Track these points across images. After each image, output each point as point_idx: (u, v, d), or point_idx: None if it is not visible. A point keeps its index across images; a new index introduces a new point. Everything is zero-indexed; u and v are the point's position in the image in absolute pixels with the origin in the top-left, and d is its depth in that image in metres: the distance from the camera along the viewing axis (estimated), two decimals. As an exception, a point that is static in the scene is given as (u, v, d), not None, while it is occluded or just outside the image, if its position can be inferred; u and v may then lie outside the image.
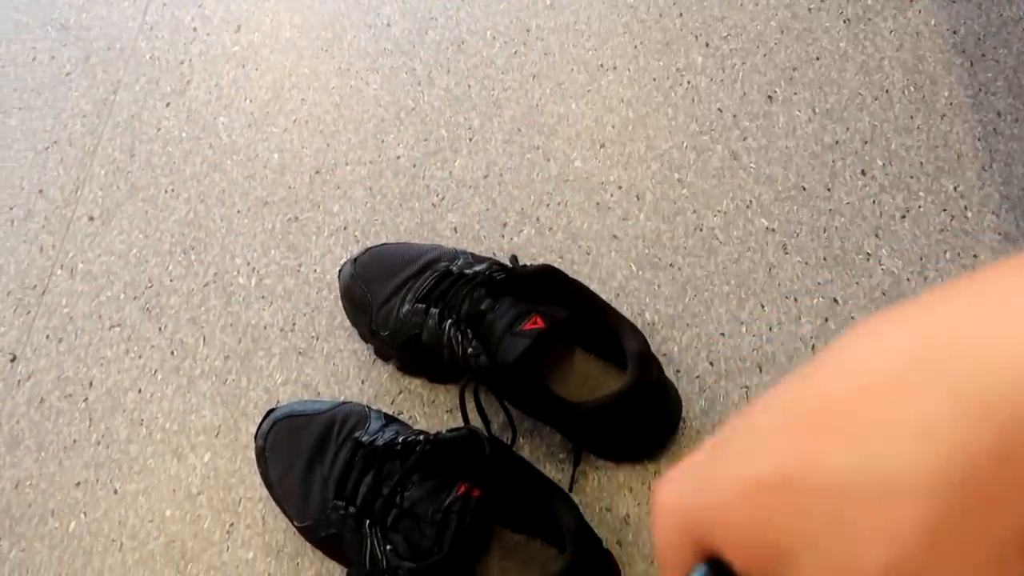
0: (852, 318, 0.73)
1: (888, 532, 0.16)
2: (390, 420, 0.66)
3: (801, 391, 0.18)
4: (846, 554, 0.16)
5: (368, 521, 0.59)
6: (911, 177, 0.80)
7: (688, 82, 0.89)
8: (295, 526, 0.64)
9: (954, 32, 0.89)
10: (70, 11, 1.04)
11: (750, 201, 0.80)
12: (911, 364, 0.16)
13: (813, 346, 0.72)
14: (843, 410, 0.17)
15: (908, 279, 0.75)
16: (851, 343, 0.18)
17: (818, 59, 0.89)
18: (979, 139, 0.82)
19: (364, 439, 0.63)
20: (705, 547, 0.20)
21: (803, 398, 0.18)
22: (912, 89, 0.86)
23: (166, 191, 0.87)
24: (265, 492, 0.67)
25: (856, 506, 0.16)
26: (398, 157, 0.87)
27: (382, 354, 0.73)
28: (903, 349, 0.16)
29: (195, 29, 1.00)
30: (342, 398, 0.73)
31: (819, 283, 0.75)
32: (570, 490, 0.66)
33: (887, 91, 0.86)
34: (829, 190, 0.80)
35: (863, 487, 0.16)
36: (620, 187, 0.82)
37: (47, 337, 0.80)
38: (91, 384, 0.77)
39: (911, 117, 0.84)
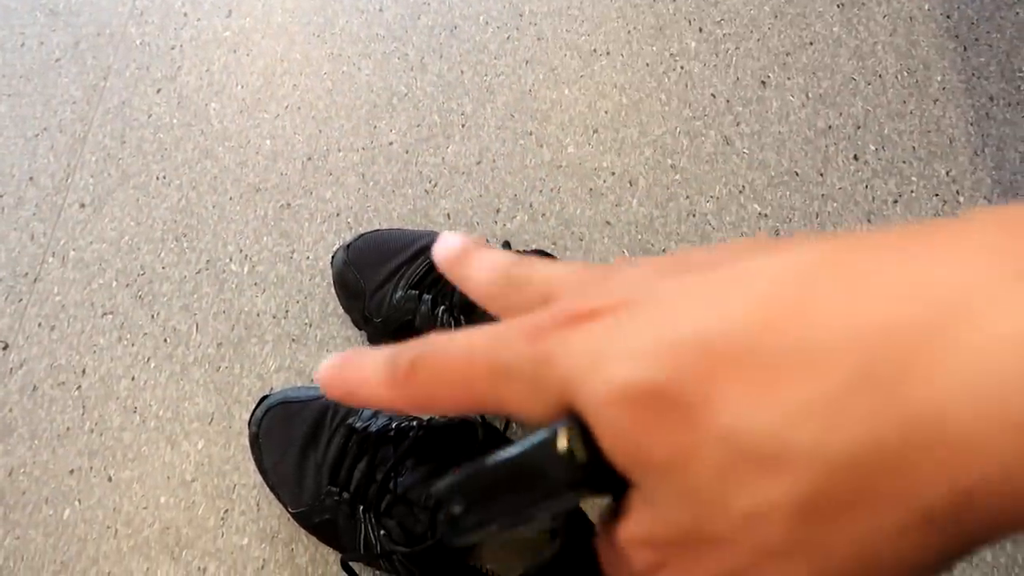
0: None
1: (764, 494, 0.15)
2: (384, 406, 0.66)
3: (723, 300, 0.17)
4: (719, 496, 0.16)
5: (362, 507, 0.59)
6: (904, 162, 0.81)
7: (681, 67, 0.88)
8: (289, 512, 0.64)
9: (947, 17, 0.89)
10: (59, -4, 1.03)
11: (743, 186, 0.80)
12: (836, 333, 0.15)
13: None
14: (756, 352, 0.16)
15: (900, 264, 0.75)
16: (787, 270, 0.17)
17: (812, 44, 0.89)
18: (971, 124, 0.82)
19: (358, 425, 0.63)
20: (566, 407, 0.18)
21: (721, 314, 0.17)
22: (905, 74, 0.86)
23: (157, 178, 0.87)
24: (259, 479, 0.67)
25: (739, 456, 0.15)
26: (391, 143, 0.86)
27: (375, 341, 0.73)
28: (833, 314, 0.15)
29: (186, 14, 1.00)
30: (336, 385, 0.73)
31: (812, 268, 0.75)
32: (563, 475, 0.66)
33: (880, 76, 0.86)
34: (822, 175, 0.80)
35: (752, 444, 0.15)
36: (613, 173, 0.82)
37: (39, 325, 0.79)
38: (84, 372, 0.76)
39: (904, 102, 0.84)
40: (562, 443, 0.18)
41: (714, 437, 0.16)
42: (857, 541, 0.15)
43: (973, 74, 0.85)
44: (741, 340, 0.16)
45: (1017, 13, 0.88)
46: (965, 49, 0.87)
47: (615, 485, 0.18)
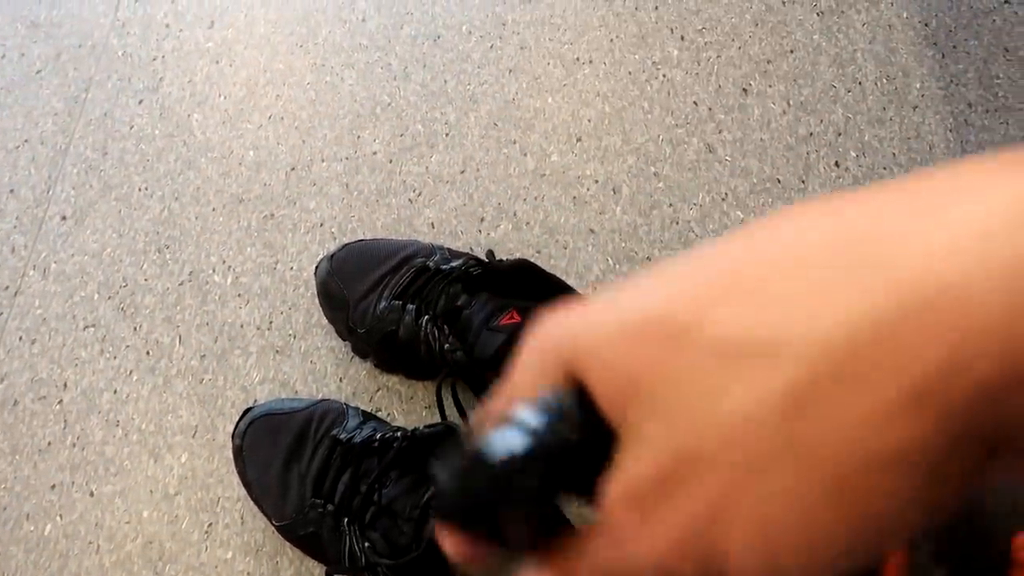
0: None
1: (753, 391, 0.15)
2: (368, 417, 0.66)
3: (709, 255, 0.18)
4: (705, 405, 0.16)
5: (346, 519, 0.59)
6: (884, 168, 0.81)
7: (664, 75, 0.89)
8: (274, 525, 0.64)
9: (925, 24, 0.90)
10: (40, 7, 1.03)
11: (726, 194, 0.81)
12: (823, 246, 0.15)
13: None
14: (745, 276, 0.16)
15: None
16: (769, 223, 0.17)
17: (792, 52, 0.89)
18: (951, 130, 0.83)
19: (342, 437, 0.63)
20: (569, 374, 0.19)
21: (709, 261, 0.17)
22: (885, 81, 0.87)
23: (140, 189, 0.87)
24: (243, 491, 0.67)
25: (731, 361, 0.16)
26: (374, 153, 0.86)
27: (359, 351, 0.73)
28: (818, 231, 0.16)
29: (168, 25, 0.99)
30: (320, 396, 0.73)
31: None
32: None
33: (860, 83, 0.87)
34: (803, 182, 0.81)
35: (744, 345, 0.15)
36: (596, 181, 0.82)
37: (20, 338, 0.79)
38: (65, 385, 0.76)
39: (884, 109, 0.85)
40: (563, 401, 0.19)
41: (707, 348, 0.16)
42: (845, 431, 0.14)
43: (951, 81, 0.86)
44: (730, 266, 0.16)
45: (994, 20, 0.90)
46: (943, 56, 0.88)
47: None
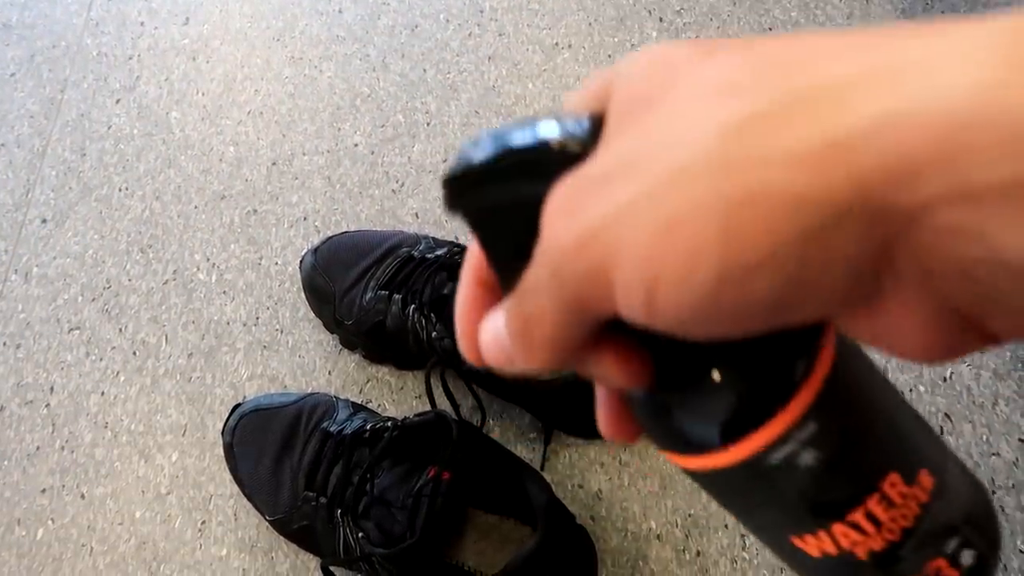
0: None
1: (713, 115, 0.15)
2: (358, 408, 0.66)
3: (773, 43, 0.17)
4: (666, 125, 0.16)
5: (340, 510, 0.59)
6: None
7: (643, 57, 0.89)
8: (267, 520, 0.63)
9: (903, -2, 0.90)
10: (11, 9, 1.01)
11: (709, 174, 0.81)
12: (839, 45, 0.15)
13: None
14: (784, 59, 0.16)
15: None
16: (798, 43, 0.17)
17: (771, 30, 0.89)
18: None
19: (332, 429, 0.62)
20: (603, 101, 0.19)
21: (767, 45, 0.17)
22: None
23: (120, 190, 0.86)
24: (235, 488, 0.67)
25: (713, 93, 0.16)
26: (356, 145, 0.86)
27: (348, 343, 0.73)
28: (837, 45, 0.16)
29: (142, 23, 0.98)
30: (309, 390, 0.72)
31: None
32: (542, 468, 0.66)
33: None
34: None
35: (728, 85, 0.16)
36: (580, 165, 0.82)
37: (4, 344, 0.78)
38: (52, 389, 0.75)
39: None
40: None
41: (702, 85, 0.16)
42: (764, 169, 0.14)
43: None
44: (782, 55, 0.16)
45: (970, -8, 0.90)
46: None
47: None
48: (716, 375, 0.19)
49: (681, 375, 0.20)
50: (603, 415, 0.23)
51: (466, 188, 0.20)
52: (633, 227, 0.16)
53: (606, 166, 0.17)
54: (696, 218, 0.15)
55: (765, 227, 0.14)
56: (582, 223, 0.17)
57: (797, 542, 0.21)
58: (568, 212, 0.17)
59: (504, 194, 0.19)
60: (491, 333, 0.21)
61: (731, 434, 0.19)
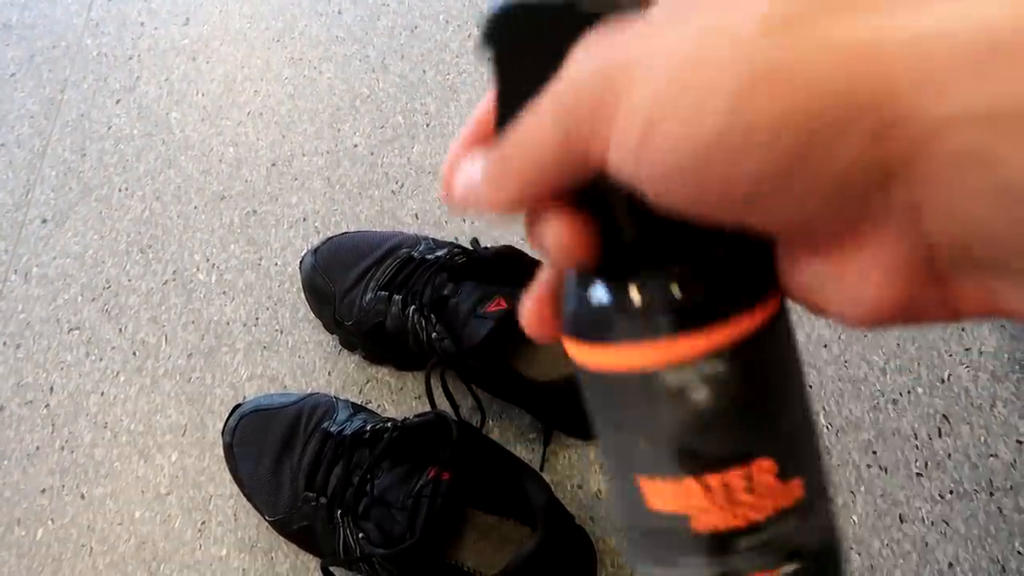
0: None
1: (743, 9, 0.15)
2: (358, 409, 0.66)
3: None
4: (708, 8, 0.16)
5: (340, 511, 0.59)
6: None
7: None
8: (267, 520, 0.63)
9: None
10: (12, 9, 1.02)
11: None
12: None
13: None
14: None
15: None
16: None
17: None
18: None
19: (332, 429, 0.63)
20: None
21: None
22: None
23: (120, 190, 0.86)
24: (235, 488, 0.67)
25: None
26: (355, 145, 0.86)
27: (347, 344, 0.73)
28: None
29: (142, 24, 0.98)
30: (309, 390, 0.72)
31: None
32: (541, 469, 0.67)
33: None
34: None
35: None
36: (579, 167, 0.82)
37: (4, 344, 0.78)
38: (52, 389, 0.75)
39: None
40: None
41: None
42: (819, 46, 0.14)
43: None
44: None
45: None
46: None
47: None
48: (658, 270, 0.19)
49: (625, 261, 0.19)
50: (529, 304, 0.23)
51: (513, 23, 0.19)
52: (654, 64, 0.16)
53: (650, 16, 0.17)
54: (719, 67, 0.15)
55: (782, 95, 0.14)
56: (608, 56, 0.17)
57: (643, 483, 0.20)
58: (598, 46, 0.17)
59: (546, 38, 0.18)
60: (467, 169, 0.21)
61: (649, 332, 0.18)
